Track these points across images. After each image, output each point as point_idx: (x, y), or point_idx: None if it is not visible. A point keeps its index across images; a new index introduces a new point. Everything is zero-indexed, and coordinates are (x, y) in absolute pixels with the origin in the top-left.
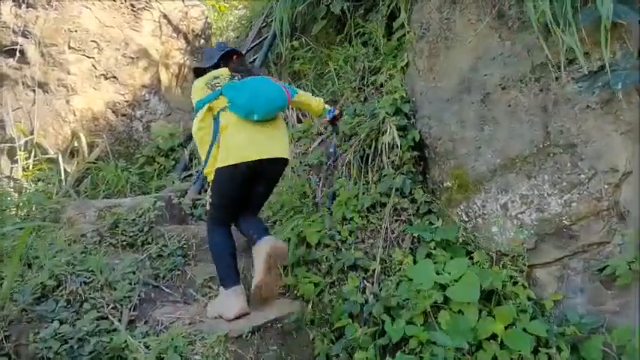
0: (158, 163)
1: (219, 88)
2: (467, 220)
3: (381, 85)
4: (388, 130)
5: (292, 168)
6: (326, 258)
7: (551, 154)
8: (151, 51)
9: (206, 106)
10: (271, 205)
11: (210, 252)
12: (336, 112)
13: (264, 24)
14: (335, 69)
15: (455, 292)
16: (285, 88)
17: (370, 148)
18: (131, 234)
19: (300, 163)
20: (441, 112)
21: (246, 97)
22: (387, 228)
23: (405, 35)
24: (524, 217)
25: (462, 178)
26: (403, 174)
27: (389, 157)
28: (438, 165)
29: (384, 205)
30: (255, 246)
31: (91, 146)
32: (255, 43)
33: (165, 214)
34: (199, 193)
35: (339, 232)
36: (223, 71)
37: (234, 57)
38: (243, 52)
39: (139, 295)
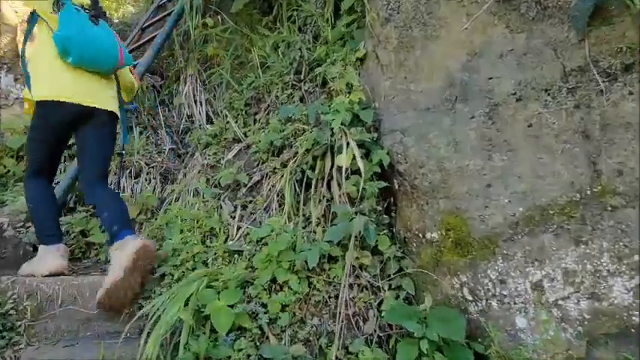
0: (5, 167)
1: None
2: (471, 299)
3: (325, 83)
4: (344, 148)
5: (195, 190)
6: (244, 355)
7: (609, 207)
8: (5, 12)
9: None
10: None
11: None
12: None
13: None
14: (260, 57)
15: None
16: (121, 53)
17: (313, 170)
18: None
19: (208, 182)
20: (422, 127)
21: (74, 32)
22: (344, 299)
23: (357, 20)
24: (570, 305)
25: (461, 231)
26: (364, 214)
27: (342, 187)
28: (417, 205)
29: (335, 261)
30: (117, 241)
31: None
32: (156, 18)
33: None
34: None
35: (266, 307)
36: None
37: None
38: (141, 27)
39: None
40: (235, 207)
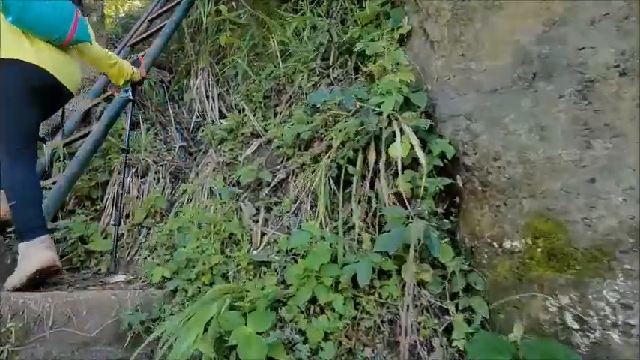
0: None
1: None
2: (578, 328)
3: (357, 68)
4: (398, 137)
5: (210, 190)
6: None
7: None
8: None
9: None
10: (166, 257)
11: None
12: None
13: None
14: (280, 44)
15: None
16: (75, 26)
17: (353, 165)
18: None
19: (224, 181)
20: (492, 110)
21: None
22: (403, 325)
23: None
24: None
25: (557, 239)
26: (423, 218)
27: (393, 186)
28: (491, 206)
29: (388, 276)
30: (25, 242)
31: None
32: (165, 8)
33: None
34: None
35: (304, 335)
36: None
37: None
38: (149, 18)
39: None
40: (258, 209)
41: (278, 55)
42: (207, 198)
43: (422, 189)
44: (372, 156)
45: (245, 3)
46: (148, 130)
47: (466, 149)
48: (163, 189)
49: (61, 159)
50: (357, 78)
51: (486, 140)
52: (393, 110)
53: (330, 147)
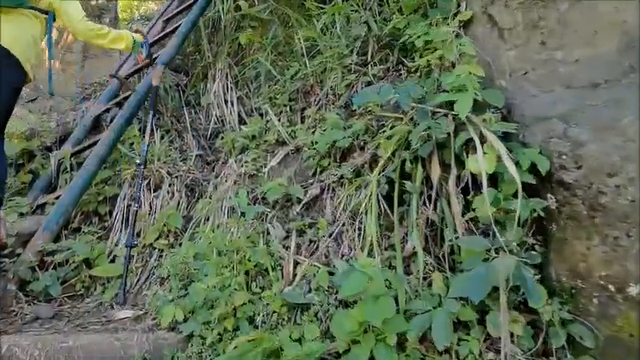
0: None
1: None
2: None
3: (400, 62)
4: (479, 146)
5: (232, 208)
6: None
7: None
8: None
9: None
10: (181, 292)
11: None
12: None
13: None
14: (307, 41)
15: None
16: None
17: (412, 180)
18: None
19: (248, 196)
20: (600, 111)
21: None
22: None
23: None
24: None
25: None
26: (511, 251)
27: (465, 207)
28: (603, 237)
29: (467, 327)
30: None
31: None
32: (181, 7)
33: None
34: None
35: None
36: None
37: None
38: (164, 19)
39: None
40: (288, 232)
41: (304, 52)
42: (228, 216)
43: (515, 214)
44: (435, 169)
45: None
46: (162, 137)
47: (564, 162)
48: (178, 204)
49: (68, 170)
50: (399, 75)
51: (596, 150)
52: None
53: (375, 157)
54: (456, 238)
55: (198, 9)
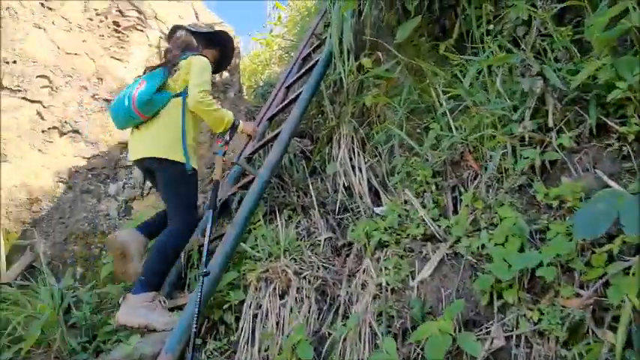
0: None
1: None
2: None
3: (602, 125)
4: None
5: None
6: None
7: None
8: None
9: None
10: None
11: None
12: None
13: (316, 42)
14: (450, 95)
15: None
16: (135, 96)
17: None
18: None
19: (391, 327)
20: None
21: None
22: None
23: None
24: None
25: None
26: None
27: None
28: None
29: None
30: None
31: (16, 252)
32: (302, 72)
33: None
34: None
35: None
36: None
37: None
38: (286, 85)
39: None
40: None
41: (447, 112)
42: (369, 350)
43: None
44: None
45: (390, 54)
46: (289, 218)
47: None
48: (307, 318)
49: (195, 266)
50: (605, 145)
51: None
52: None
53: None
54: None
55: (318, 74)
